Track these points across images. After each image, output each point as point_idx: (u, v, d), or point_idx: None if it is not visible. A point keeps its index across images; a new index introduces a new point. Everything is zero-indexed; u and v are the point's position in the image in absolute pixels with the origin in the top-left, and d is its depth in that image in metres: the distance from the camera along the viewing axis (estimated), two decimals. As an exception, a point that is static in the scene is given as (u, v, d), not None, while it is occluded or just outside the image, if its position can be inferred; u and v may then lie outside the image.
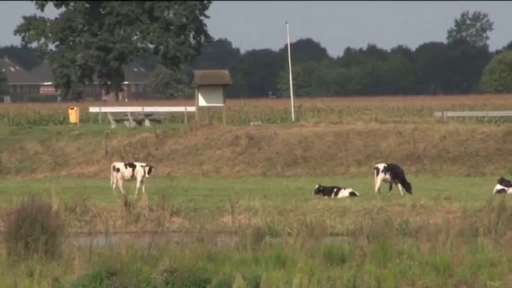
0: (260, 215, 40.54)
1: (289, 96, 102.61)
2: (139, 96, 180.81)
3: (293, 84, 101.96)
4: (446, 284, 27.86)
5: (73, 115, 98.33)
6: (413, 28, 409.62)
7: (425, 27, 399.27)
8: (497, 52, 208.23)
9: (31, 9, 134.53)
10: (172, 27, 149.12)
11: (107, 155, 69.52)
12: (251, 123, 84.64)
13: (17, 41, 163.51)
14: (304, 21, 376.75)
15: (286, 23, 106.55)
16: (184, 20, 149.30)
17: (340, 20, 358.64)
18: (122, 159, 58.63)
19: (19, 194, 39.17)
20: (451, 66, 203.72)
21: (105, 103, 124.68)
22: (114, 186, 50.77)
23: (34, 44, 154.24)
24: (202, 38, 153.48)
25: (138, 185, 50.71)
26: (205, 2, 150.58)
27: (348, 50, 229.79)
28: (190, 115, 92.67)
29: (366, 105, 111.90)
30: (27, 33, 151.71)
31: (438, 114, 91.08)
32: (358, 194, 49.82)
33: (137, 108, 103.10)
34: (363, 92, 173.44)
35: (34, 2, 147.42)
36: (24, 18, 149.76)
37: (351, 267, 28.75)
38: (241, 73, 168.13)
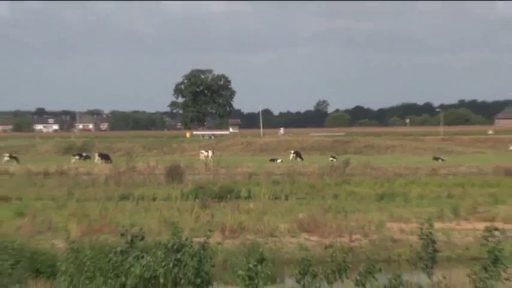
0: (251, 168, 40.33)
1: (260, 128, 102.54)
2: (210, 128, 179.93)
3: (262, 125, 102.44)
4: (314, 191, 27.64)
5: (188, 135, 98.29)
6: (301, 103, 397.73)
7: (305, 103, 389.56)
8: (330, 113, 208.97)
9: (172, 97, 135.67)
10: (220, 104, 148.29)
11: (198, 148, 69.08)
12: (248, 137, 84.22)
13: (167, 108, 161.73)
14: (263, 99, 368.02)
15: (260, 104, 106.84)
16: (225, 102, 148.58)
17: (276, 101, 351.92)
18: (204, 149, 58.24)
19: (169, 162, 38.91)
20: (316, 119, 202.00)
21: (198, 130, 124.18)
22: (200, 159, 50.46)
23: (174, 111, 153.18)
24: (232, 109, 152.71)
25: (210, 158, 50.36)
26: (232, 97, 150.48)
27: (281, 112, 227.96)
28: (227, 134, 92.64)
29: (287, 132, 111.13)
30: (172, 107, 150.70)
31: (314, 134, 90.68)
32: (284, 161, 49.62)
33: (209, 132, 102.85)
34: (286, 126, 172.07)
35: (174, 96, 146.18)
36: (172, 102, 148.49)
37: (281, 185, 28.48)
38: (243, 120, 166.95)
